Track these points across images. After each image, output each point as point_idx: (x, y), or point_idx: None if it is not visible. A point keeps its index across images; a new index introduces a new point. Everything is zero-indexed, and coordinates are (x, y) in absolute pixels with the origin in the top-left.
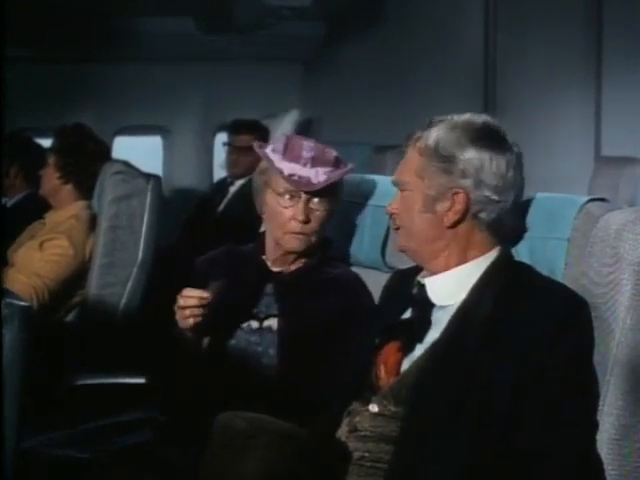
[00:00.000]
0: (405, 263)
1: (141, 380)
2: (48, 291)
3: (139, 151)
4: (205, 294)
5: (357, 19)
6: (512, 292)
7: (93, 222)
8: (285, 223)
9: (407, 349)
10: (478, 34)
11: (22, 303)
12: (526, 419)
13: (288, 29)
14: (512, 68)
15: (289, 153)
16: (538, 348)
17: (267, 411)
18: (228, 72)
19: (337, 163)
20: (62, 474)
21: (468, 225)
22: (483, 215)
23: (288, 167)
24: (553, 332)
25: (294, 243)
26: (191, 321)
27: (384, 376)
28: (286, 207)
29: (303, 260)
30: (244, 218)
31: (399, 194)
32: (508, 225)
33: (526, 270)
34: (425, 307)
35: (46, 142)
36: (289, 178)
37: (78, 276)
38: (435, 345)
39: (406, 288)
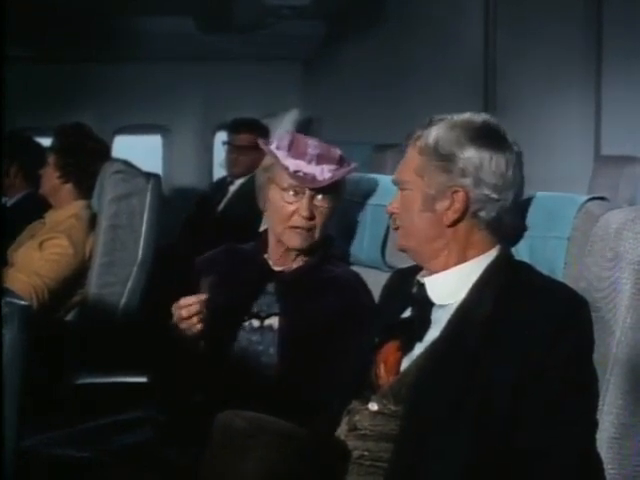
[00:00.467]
0: (405, 262)
1: (141, 379)
2: (48, 290)
3: (139, 150)
4: (202, 296)
5: (357, 18)
6: (512, 291)
7: (93, 221)
8: (288, 217)
9: (407, 348)
10: (478, 34)
11: (22, 302)
12: (526, 418)
13: (288, 28)
14: (512, 68)
15: (294, 150)
16: (538, 347)
17: (267, 410)
18: (228, 71)
19: (341, 161)
20: (62, 473)
21: (468, 224)
22: (483, 214)
23: (294, 164)
24: (553, 331)
25: (296, 240)
26: (199, 326)
27: (384, 375)
28: (290, 202)
29: (305, 258)
30: (244, 217)
31: (399, 193)
32: (508, 224)
33: (526, 269)
34: (425, 306)
35: (46, 141)
36: (295, 174)
37: (78, 275)
38: (435, 344)
39: (406, 287)
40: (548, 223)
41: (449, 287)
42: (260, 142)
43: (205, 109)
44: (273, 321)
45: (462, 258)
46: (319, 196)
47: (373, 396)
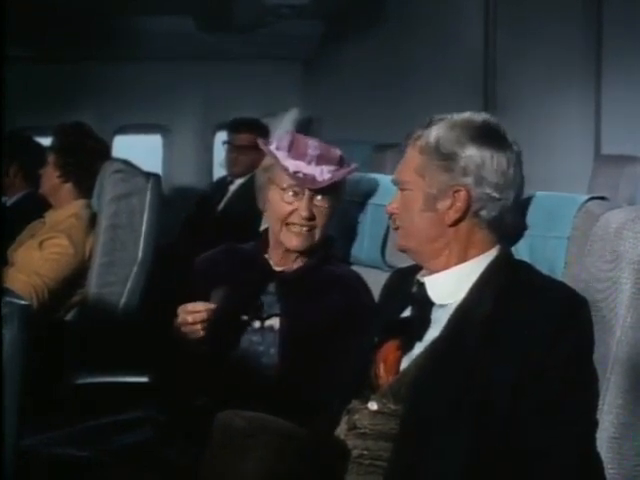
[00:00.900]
0: (405, 262)
1: (141, 379)
2: (48, 290)
3: (139, 150)
4: (211, 305)
5: (357, 18)
6: (512, 291)
7: (93, 221)
8: (287, 216)
9: (406, 347)
10: (478, 34)
11: (22, 302)
12: (526, 418)
13: (288, 28)
14: (512, 68)
15: (294, 150)
16: (538, 347)
17: (268, 410)
18: (228, 71)
19: (341, 162)
20: (62, 473)
21: (469, 223)
22: (484, 213)
23: (293, 164)
24: (553, 331)
25: (295, 241)
26: (202, 333)
27: (383, 374)
28: (289, 203)
29: (305, 259)
30: (244, 217)
31: (399, 193)
32: (508, 223)
33: (526, 269)
34: (425, 306)
35: (46, 141)
36: (294, 175)
37: (78, 275)
38: (434, 343)
39: (406, 287)
40: (548, 223)
41: (449, 287)
42: (260, 142)
43: (205, 109)
44: (274, 322)
45: (463, 257)
46: (319, 197)
47: (372, 395)
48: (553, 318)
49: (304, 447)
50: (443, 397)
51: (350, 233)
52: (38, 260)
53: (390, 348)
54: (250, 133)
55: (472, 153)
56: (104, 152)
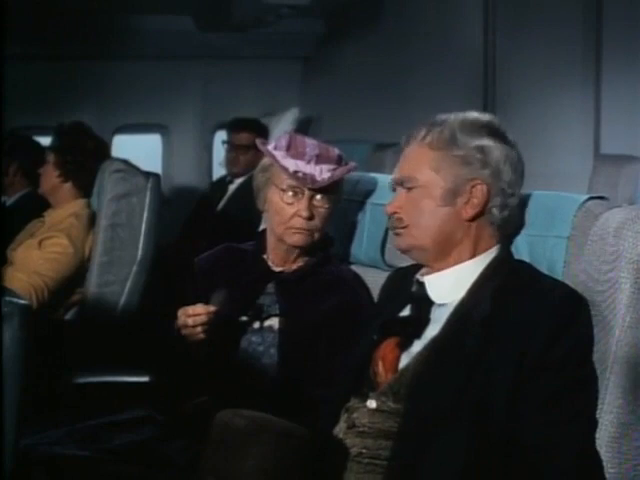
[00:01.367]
0: (404, 261)
1: (141, 378)
2: (47, 289)
3: (138, 149)
4: (211, 308)
5: (356, 17)
6: (511, 290)
7: (92, 220)
8: (288, 219)
9: (405, 346)
10: (478, 34)
11: (22, 301)
12: (525, 417)
13: (287, 27)
14: (512, 68)
15: (293, 150)
16: (537, 346)
17: (267, 410)
18: (227, 70)
19: (340, 161)
20: (62, 471)
21: (482, 219)
22: (496, 209)
23: (293, 164)
24: (552, 330)
25: (297, 238)
26: (202, 336)
27: (382, 372)
28: (289, 203)
29: (305, 259)
30: (244, 216)
31: (401, 192)
32: (513, 221)
33: (526, 268)
34: (424, 305)
35: (45, 140)
36: (294, 175)
37: (77, 274)
38: (434, 342)
39: (405, 286)
40: (548, 222)
41: (449, 286)
42: (258, 142)
43: (204, 108)
44: (273, 322)
45: (472, 254)
46: (318, 196)
47: (371, 393)
48: (553, 317)
49: (304, 446)
50: (443, 395)
51: (349, 233)
52: (38, 259)
53: (389, 346)
54: (250, 133)
55: (491, 146)
56: (104, 152)
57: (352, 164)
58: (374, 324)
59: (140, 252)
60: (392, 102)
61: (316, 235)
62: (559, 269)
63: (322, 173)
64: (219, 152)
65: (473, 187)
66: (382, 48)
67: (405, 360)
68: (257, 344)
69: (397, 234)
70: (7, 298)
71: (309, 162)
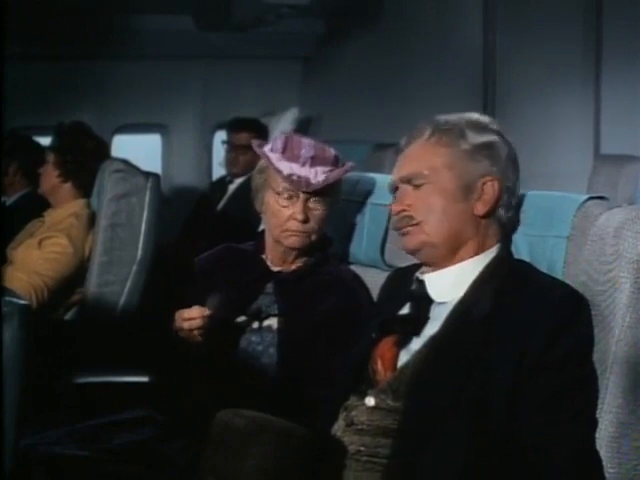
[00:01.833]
0: (404, 261)
1: (140, 378)
2: (47, 289)
3: (138, 149)
4: (207, 312)
5: (356, 17)
6: (511, 289)
7: (92, 220)
8: (284, 222)
9: (404, 344)
10: (478, 34)
11: (21, 301)
12: (525, 416)
13: (287, 27)
14: (512, 67)
15: (288, 152)
16: (537, 345)
17: (267, 409)
18: (227, 70)
19: (336, 162)
20: (61, 472)
21: (491, 217)
22: (503, 207)
23: (287, 166)
24: (552, 329)
25: (293, 240)
26: (199, 339)
27: (381, 370)
28: (285, 206)
29: (303, 259)
30: (243, 216)
31: (407, 190)
32: (513, 220)
33: (525, 268)
34: (424, 303)
35: (45, 140)
36: (288, 178)
37: (77, 274)
38: (433, 340)
39: (405, 285)
40: (547, 222)
41: (449, 284)
42: (254, 144)
43: (204, 108)
44: (272, 322)
45: (477, 252)
46: (314, 199)
47: (370, 391)
48: (553, 317)
49: (304, 446)
50: (442, 393)
51: (349, 233)
52: (37, 259)
53: (388, 344)
54: (249, 132)
55: (498, 143)
56: (103, 151)
57: (349, 165)
58: (373, 323)
59: (140, 252)
60: (392, 102)
61: (313, 237)
62: (559, 269)
63: (317, 176)
64: (219, 152)
65: (484, 184)
66: (382, 48)
67: (404, 358)
68: (256, 344)
69: (405, 233)
70: (7, 298)
71: (304, 164)
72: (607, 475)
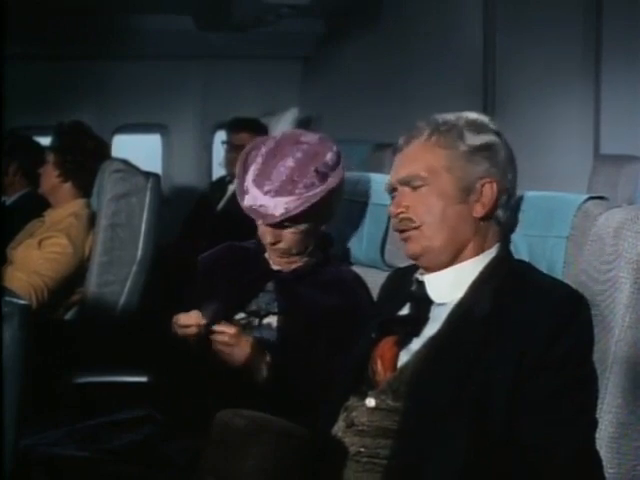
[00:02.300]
0: (404, 261)
1: (140, 378)
2: (47, 289)
3: (138, 149)
4: (202, 321)
5: (356, 17)
6: (511, 289)
7: (92, 220)
8: (262, 235)
9: (404, 344)
10: (477, 34)
11: (21, 301)
12: (525, 416)
13: (287, 27)
14: (512, 67)
15: (261, 175)
16: (537, 345)
17: (267, 409)
18: (227, 70)
19: (321, 178)
20: (61, 472)
21: (490, 218)
22: (501, 208)
23: (250, 196)
24: (552, 330)
25: (272, 253)
26: (195, 344)
27: (381, 370)
28: (259, 224)
29: (304, 259)
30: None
31: (406, 192)
32: (513, 220)
33: (525, 268)
34: (423, 304)
35: (45, 140)
36: (248, 209)
37: (77, 274)
38: (433, 340)
39: (405, 286)
40: (547, 222)
41: (448, 285)
42: (240, 161)
43: (204, 108)
44: (271, 320)
45: (476, 253)
46: (286, 223)
47: (370, 392)
48: (552, 316)
49: (304, 446)
50: (442, 393)
51: (349, 233)
52: (37, 259)
53: (387, 344)
54: (249, 133)
55: (497, 144)
56: (103, 151)
57: (319, 189)
58: (373, 323)
59: (140, 252)
60: (392, 102)
61: (294, 251)
62: (559, 269)
63: (276, 208)
64: (219, 152)
65: (483, 185)
66: (382, 48)
67: (404, 358)
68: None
69: (407, 239)
70: (7, 298)
71: (267, 193)
72: (607, 475)
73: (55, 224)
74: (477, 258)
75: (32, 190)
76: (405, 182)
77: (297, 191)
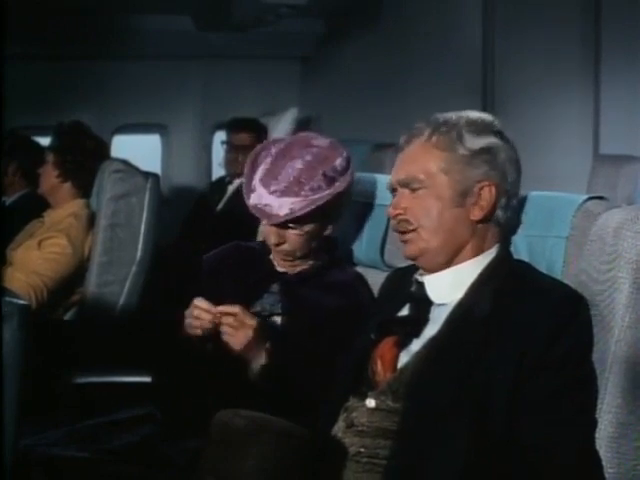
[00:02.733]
0: (404, 262)
1: (140, 378)
2: (47, 289)
3: (138, 149)
4: (214, 308)
5: (356, 17)
6: (511, 290)
7: (92, 220)
8: (267, 236)
9: (404, 345)
10: (477, 33)
11: (21, 302)
12: (525, 416)
13: (287, 27)
14: (512, 67)
15: (268, 174)
16: (537, 346)
17: (267, 409)
18: (226, 70)
19: (329, 182)
20: (61, 472)
21: (489, 220)
22: (501, 210)
23: (256, 195)
24: (552, 330)
25: (277, 255)
26: (199, 332)
27: (381, 371)
28: (264, 224)
29: (309, 262)
30: (242, 217)
31: (405, 193)
32: (512, 222)
33: (525, 268)
34: (423, 305)
35: (45, 140)
36: (253, 207)
37: (77, 274)
38: (433, 341)
39: (404, 286)
40: (547, 222)
41: (448, 286)
42: (249, 160)
43: (204, 108)
44: (276, 321)
45: (475, 255)
46: (290, 224)
47: (370, 392)
48: (552, 317)
49: (304, 446)
50: (442, 394)
51: (349, 233)
52: (37, 259)
53: (387, 345)
54: (249, 133)
55: (498, 147)
56: (103, 152)
57: (325, 192)
58: (372, 323)
59: (139, 252)
60: (392, 102)
61: (298, 253)
62: (558, 269)
63: (281, 208)
64: (218, 152)
65: (481, 189)
66: (382, 48)
67: (404, 359)
68: None
69: (405, 241)
70: (7, 298)
71: (273, 193)
72: (607, 475)
73: (55, 224)
74: (476, 259)
75: (32, 190)
76: (404, 184)
77: (303, 193)
